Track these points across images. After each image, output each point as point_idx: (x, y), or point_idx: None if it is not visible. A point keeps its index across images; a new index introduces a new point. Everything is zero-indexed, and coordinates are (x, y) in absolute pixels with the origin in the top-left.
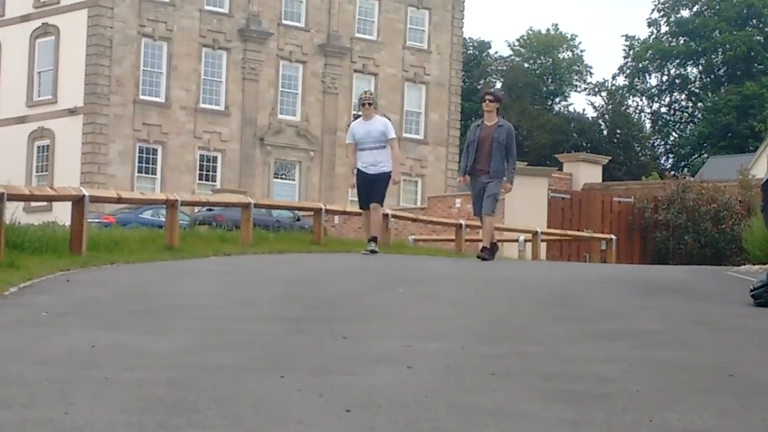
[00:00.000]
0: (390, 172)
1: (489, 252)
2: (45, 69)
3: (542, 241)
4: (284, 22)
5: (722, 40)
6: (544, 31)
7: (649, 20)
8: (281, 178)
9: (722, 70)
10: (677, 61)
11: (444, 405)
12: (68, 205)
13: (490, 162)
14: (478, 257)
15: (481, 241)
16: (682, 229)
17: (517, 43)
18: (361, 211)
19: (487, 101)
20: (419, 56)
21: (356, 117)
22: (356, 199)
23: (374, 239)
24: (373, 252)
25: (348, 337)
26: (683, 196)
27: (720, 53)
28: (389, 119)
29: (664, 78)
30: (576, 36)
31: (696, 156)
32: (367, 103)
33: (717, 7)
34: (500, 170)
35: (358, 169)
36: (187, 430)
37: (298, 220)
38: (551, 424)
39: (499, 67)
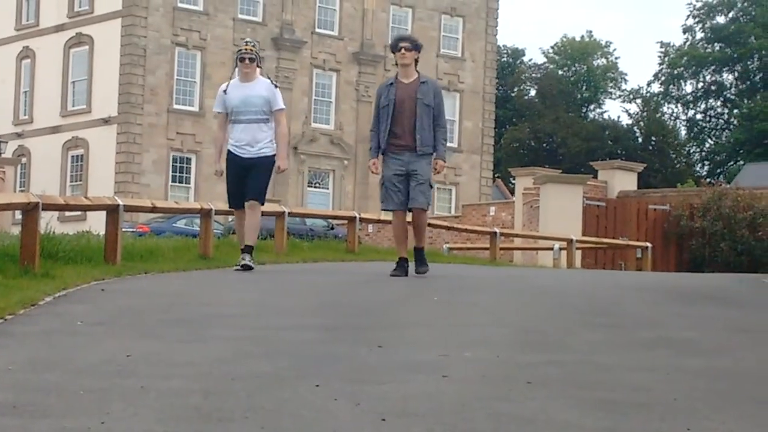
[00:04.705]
0: (273, 156)
1: (422, 260)
2: (79, 78)
3: (577, 249)
4: (318, 30)
5: (758, 46)
6: (578, 38)
7: (684, 26)
8: (315, 187)
9: (758, 77)
10: (713, 67)
11: (481, 414)
12: (102, 214)
13: (415, 133)
14: (417, 273)
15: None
16: (719, 237)
17: (551, 51)
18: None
19: (403, 50)
20: (453, 64)
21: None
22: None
23: (249, 249)
24: (246, 268)
25: (383, 345)
26: (719, 203)
27: (756, 59)
28: (276, 85)
29: (700, 84)
30: (610, 43)
31: (732, 163)
32: (248, 58)
33: (752, 13)
34: (429, 144)
35: (229, 151)
36: None
37: (332, 228)
38: None
39: (533, 75)
